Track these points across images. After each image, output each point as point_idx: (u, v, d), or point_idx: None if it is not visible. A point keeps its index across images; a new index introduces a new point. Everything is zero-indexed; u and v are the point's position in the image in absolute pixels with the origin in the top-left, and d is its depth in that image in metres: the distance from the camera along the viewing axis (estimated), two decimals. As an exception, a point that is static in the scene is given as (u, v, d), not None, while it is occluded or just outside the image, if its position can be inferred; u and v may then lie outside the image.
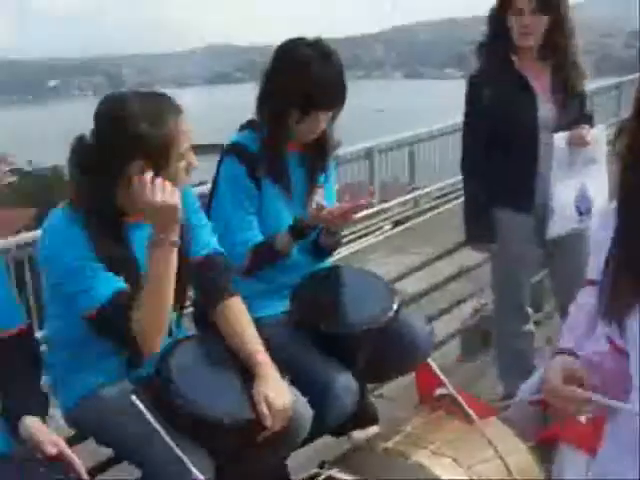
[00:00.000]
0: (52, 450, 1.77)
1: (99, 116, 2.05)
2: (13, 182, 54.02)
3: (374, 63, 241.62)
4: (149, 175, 1.94)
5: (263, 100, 2.57)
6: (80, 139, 2.06)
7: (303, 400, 2.19)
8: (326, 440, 2.63)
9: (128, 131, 1.97)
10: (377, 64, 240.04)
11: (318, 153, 2.65)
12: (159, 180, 1.93)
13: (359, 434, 2.67)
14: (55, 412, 2.15)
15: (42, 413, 1.88)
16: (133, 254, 2.08)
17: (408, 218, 7.63)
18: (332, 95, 2.50)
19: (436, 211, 7.66)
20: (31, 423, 1.82)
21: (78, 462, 1.79)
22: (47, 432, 1.82)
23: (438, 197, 8.25)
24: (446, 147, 8.48)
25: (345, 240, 6.63)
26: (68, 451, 1.80)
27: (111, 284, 1.98)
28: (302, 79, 2.44)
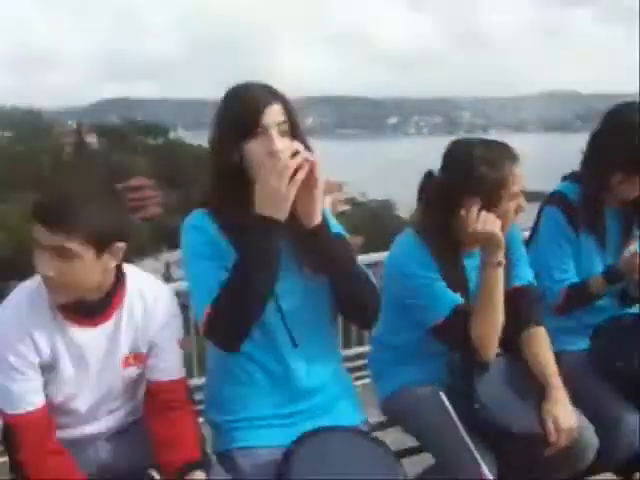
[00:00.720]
0: None
1: (447, 156, 2.42)
2: (346, 211, 57.62)
3: None
4: (476, 207, 2.28)
5: (589, 157, 2.77)
6: (428, 174, 2.46)
7: (590, 427, 2.34)
8: (610, 478, 2.72)
9: (469, 171, 2.31)
10: None
11: (635, 210, 2.79)
12: (483, 213, 2.27)
13: (643, 478, 2.74)
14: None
15: None
16: (466, 277, 2.42)
17: None
18: None
19: None
20: None
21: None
22: None
23: None
24: None
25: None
26: None
27: (453, 300, 2.33)
28: (629, 144, 2.59)
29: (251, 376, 2.14)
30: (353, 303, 2.11)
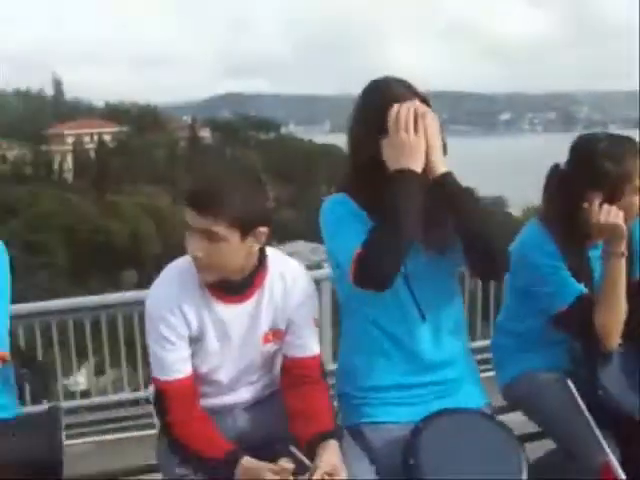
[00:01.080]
0: None
1: (573, 150, 2.49)
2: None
3: None
4: (598, 200, 2.33)
5: None
6: (555, 167, 2.52)
7: None
8: None
9: (593, 166, 2.37)
10: None
11: None
12: (606, 205, 2.32)
13: None
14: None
15: None
16: (590, 267, 2.47)
17: None
18: None
19: None
20: None
21: None
22: None
23: None
24: None
25: None
26: None
27: (577, 289, 2.39)
28: None
29: (380, 345, 2.24)
30: (483, 263, 2.11)
